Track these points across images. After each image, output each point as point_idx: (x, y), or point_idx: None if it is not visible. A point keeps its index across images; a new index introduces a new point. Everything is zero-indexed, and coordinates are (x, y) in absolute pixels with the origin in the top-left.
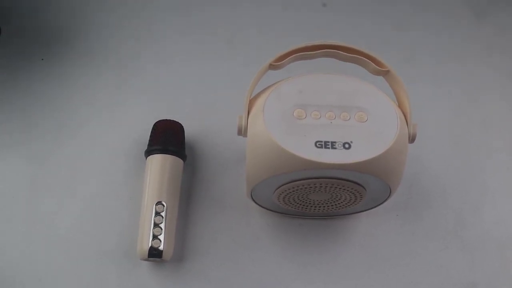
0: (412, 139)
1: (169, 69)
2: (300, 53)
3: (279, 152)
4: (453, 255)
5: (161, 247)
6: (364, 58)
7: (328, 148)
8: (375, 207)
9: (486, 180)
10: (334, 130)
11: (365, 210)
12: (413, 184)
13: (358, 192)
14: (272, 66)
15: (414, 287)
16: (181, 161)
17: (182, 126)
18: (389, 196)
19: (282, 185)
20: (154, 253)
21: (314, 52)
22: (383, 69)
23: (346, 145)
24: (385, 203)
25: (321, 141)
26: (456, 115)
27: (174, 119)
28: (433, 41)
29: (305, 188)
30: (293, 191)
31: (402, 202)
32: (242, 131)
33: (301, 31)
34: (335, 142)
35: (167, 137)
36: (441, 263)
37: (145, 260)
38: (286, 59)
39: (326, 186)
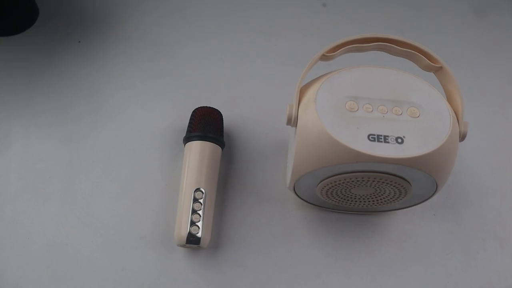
0: (462, 137)
1: (209, 55)
2: (354, 45)
3: (331, 144)
4: (492, 257)
5: (199, 234)
6: (418, 53)
7: (381, 141)
8: (416, 204)
9: None
10: (387, 124)
11: (405, 208)
12: (452, 183)
13: (403, 187)
14: (324, 57)
15: (451, 287)
16: (219, 148)
17: (221, 114)
18: (433, 194)
19: (329, 177)
20: (192, 240)
21: (368, 44)
22: (437, 65)
23: (399, 140)
24: (423, 202)
25: (374, 135)
26: (499, 114)
27: (213, 106)
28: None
29: (352, 181)
30: (339, 184)
31: (440, 201)
32: (292, 121)
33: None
34: (388, 136)
35: (206, 124)
36: (480, 264)
37: (182, 246)
38: (339, 50)
39: (373, 181)
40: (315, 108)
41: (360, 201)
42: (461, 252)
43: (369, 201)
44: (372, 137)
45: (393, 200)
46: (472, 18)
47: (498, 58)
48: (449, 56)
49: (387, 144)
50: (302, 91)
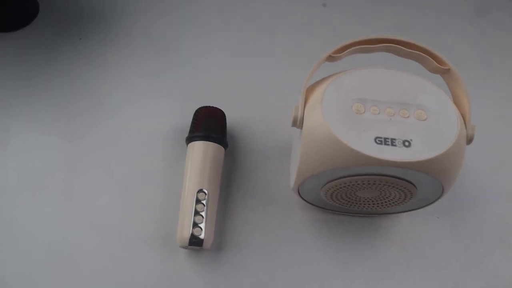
0: (469, 140)
1: (212, 54)
2: (361, 46)
3: (338, 146)
4: (497, 261)
5: (202, 236)
6: (425, 55)
7: (388, 145)
8: (421, 207)
9: None
10: (394, 127)
11: (410, 210)
12: (456, 186)
13: (409, 191)
14: (330, 58)
15: None
16: (222, 148)
17: (224, 113)
18: (439, 197)
19: (334, 179)
20: (195, 241)
21: (375, 45)
22: (444, 67)
23: (406, 143)
24: (428, 206)
25: (381, 138)
26: (504, 117)
27: (216, 106)
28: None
29: (358, 184)
30: (344, 186)
31: (444, 204)
32: (297, 123)
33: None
34: (395, 139)
35: (209, 124)
36: (485, 268)
37: (185, 248)
38: (346, 51)
39: (379, 184)
40: (321, 110)
41: (365, 204)
42: (466, 256)
43: (373, 204)
44: (379, 140)
45: (398, 203)
46: (476, 18)
47: (503, 59)
48: (452, 57)
49: (394, 147)
50: (308, 92)
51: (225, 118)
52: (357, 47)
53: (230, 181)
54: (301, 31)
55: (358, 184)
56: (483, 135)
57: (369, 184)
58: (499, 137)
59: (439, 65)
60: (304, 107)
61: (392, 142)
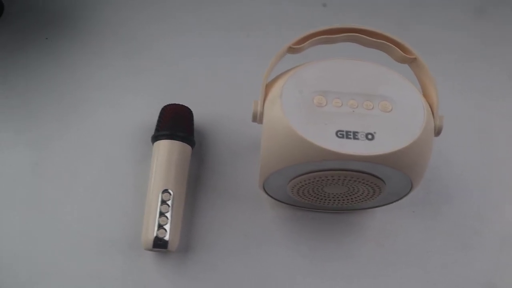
0: (438, 132)
1: (178, 52)
2: (321, 36)
3: (297, 141)
4: (472, 254)
5: (166, 237)
6: (390, 44)
7: (350, 138)
8: (392, 202)
9: (508, 176)
10: (356, 120)
11: (382, 205)
12: (431, 179)
13: (377, 186)
14: (290, 50)
15: (431, 286)
16: (189, 147)
17: (191, 111)
18: (409, 192)
19: (298, 176)
20: (159, 244)
21: (337, 35)
22: (410, 57)
23: (369, 136)
24: (400, 200)
25: (343, 131)
26: (479, 109)
27: (183, 104)
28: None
29: (322, 180)
30: (309, 183)
31: (419, 197)
32: (257, 118)
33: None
34: (357, 132)
35: (175, 122)
36: (460, 262)
37: (150, 250)
38: (306, 42)
39: (344, 179)
40: (280, 105)
41: (334, 200)
42: (441, 250)
43: (343, 200)
44: (340, 134)
45: (368, 199)
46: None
47: (487, 51)
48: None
49: (356, 140)
50: (269, 87)
51: (192, 116)
52: (318, 37)
53: (198, 180)
54: (276, 24)
55: (323, 180)
56: (460, 126)
57: (333, 179)
58: (476, 128)
59: (404, 54)
60: (264, 101)
61: (355, 135)
